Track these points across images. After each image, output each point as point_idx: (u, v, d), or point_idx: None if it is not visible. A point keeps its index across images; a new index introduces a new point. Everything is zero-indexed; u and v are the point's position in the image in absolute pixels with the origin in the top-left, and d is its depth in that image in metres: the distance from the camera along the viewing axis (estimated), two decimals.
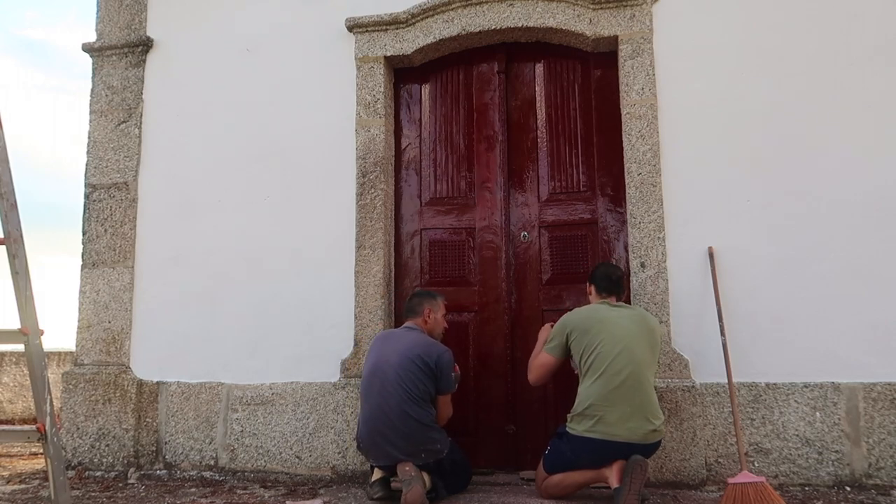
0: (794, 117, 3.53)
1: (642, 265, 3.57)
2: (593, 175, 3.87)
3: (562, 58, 4.00)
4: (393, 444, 3.14)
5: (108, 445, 3.97)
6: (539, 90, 4.02)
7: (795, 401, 3.32)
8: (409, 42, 3.98)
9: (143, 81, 4.30)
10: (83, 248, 4.21)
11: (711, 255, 3.48)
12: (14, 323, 2.17)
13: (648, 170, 3.62)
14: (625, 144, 3.69)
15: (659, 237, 3.57)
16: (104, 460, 3.96)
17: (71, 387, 4.06)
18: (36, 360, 2.14)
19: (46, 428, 2.11)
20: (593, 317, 3.14)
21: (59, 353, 7.05)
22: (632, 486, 2.83)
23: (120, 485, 3.73)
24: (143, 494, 3.50)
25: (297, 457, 3.78)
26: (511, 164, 3.97)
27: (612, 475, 2.95)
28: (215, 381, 3.94)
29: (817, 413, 3.30)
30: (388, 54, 4.00)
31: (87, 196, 4.25)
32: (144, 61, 4.32)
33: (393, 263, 3.99)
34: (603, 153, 3.86)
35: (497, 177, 3.95)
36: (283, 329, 3.89)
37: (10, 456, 4.75)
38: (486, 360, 3.83)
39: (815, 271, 3.41)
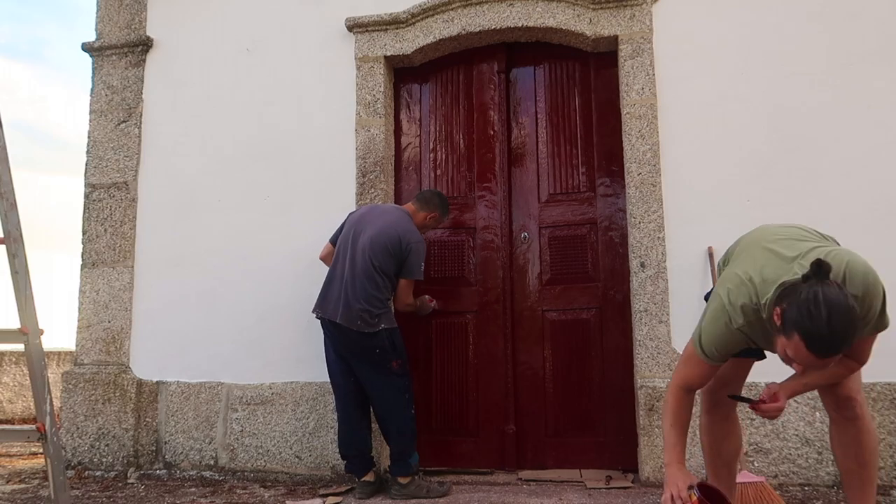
0: (795, 117, 3.53)
1: (642, 265, 3.57)
2: (593, 175, 3.87)
3: (562, 58, 3.99)
4: (339, 300, 3.30)
5: (107, 445, 3.97)
6: (539, 90, 4.02)
7: (795, 400, 3.32)
8: (409, 42, 3.98)
9: (142, 81, 4.30)
10: (83, 248, 4.21)
11: (711, 255, 3.48)
12: (14, 323, 2.17)
13: (648, 170, 3.62)
14: (625, 144, 3.69)
15: (659, 237, 3.57)
16: (104, 460, 3.96)
17: (71, 386, 4.06)
18: (36, 360, 2.14)
19: (46, 427, 2.12)
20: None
21: (59, 353, 7.04)
22: None
23: (119, 484, 3.73)
24: (143, 494, 3.50)
25: (297, 456, 3.78)
26: (511, 164, 3.96)
27: None
28: (215, 380, 3.94)
29: (817, 413, 3.30)
30: (388, 54, 4.00)
31: (86, 195, 4.25)
32: (144, 61, 4.32)
33: None
34: (603, 153, 3.86)
35: (497, 177, 3.95)
36: (283, 329, 3.89)
37: (10, 455, 4.75)
38: (486, 360, 3.83)
39: None
